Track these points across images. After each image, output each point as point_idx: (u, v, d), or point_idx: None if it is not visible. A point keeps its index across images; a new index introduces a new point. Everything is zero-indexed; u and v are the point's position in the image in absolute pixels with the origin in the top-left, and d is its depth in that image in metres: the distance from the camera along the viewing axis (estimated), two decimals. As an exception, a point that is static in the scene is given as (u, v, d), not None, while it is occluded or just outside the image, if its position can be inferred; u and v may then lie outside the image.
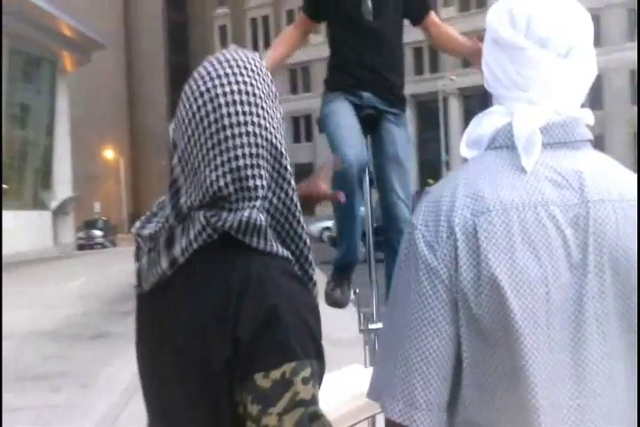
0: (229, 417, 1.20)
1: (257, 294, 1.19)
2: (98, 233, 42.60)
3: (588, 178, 1.15)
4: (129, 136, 76.96)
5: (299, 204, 1.31)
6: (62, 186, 40.27)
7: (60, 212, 40.03)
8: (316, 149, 45.92)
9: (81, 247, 40.52)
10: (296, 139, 51.17)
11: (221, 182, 1.23)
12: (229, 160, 1.23)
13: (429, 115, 44.90)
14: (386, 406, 1.16)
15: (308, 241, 1.32)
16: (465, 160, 1.25)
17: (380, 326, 3.39)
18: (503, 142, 1.19)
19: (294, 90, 52.08)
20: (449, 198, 1.15)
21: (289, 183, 1.29)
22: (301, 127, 51.90)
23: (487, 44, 1.24)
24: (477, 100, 46.79)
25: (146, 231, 1.31)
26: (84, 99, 64.53)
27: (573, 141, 1.18)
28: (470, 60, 3.34)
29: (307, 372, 1.17)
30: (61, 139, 39.94)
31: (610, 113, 40.76)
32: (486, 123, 1.22)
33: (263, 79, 1.29)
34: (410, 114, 25.56)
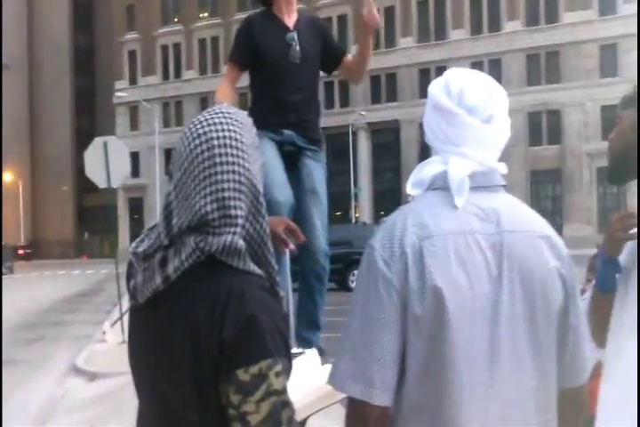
0: (215, 406, 1.47)
1: (238, 305, 1.47)
2: (-6, 259, 40.83)
3: (503, 214, 1.53)
4: (30, 159, 74.64)
5: (270, 234, 1.59)
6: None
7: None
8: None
9: (-25, 274, 38.96)
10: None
11: (208, 208, 1.50)
12: (217, 191, 1.51)
13: (339, 148, 45.23)
14: (349, 388, 1.47)
15: (275, 265, 1.60)
16: (409, 196, 1.62)
17: (298, 350, 3.70)
18: (440, 185, 1.55)
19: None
20: (400, 227, 1.50)
21: (263, 217, 1.57)
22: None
23: (428, 109, 1.61)
24: (386, 136, 47.94)
25: (140, 249, 1.56)
26: (-16, 120, 62.54)
27: (492, 186, 1.57)
28: (363, 30, 3.62)
29: (279, 367, 1.45)
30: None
31: (507, 153, 42.61)
32: (427, 169, 1.59)
33: (249, 131, 1.59)
34: (319, 147, 26.07)
